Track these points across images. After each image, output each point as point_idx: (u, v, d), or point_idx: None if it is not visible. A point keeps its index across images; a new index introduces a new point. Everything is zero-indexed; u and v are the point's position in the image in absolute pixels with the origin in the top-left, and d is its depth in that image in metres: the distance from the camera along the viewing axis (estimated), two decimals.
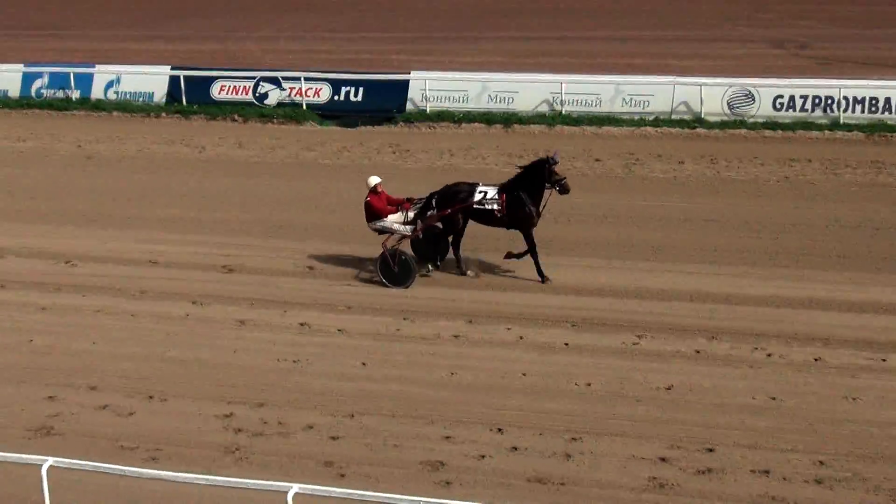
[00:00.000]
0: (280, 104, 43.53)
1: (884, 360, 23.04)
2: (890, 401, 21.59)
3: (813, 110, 37.48)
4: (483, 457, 20.27)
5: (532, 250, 27.02)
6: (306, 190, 34.91)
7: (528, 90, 40.68)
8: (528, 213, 26.78)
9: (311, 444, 20.80)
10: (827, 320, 24.81)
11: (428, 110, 41.47)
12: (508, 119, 40.14)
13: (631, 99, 39.41)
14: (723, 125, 37.93)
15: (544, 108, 40.28)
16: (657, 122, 38.68)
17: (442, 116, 41.07)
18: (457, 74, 42.70)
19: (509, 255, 27.31)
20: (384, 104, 42.27)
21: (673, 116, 38.82)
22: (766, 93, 38.07)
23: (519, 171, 27.05)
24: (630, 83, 39.75)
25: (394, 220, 27.49)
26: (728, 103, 38.32)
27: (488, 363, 23.53)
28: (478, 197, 26.98)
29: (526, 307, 25.97)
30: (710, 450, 20.26)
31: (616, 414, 21.49)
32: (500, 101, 40.93)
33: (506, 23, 54.42)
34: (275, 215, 32.60)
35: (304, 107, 43.12)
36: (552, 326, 25.05)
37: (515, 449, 20.49)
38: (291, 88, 43.42)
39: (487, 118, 40.43)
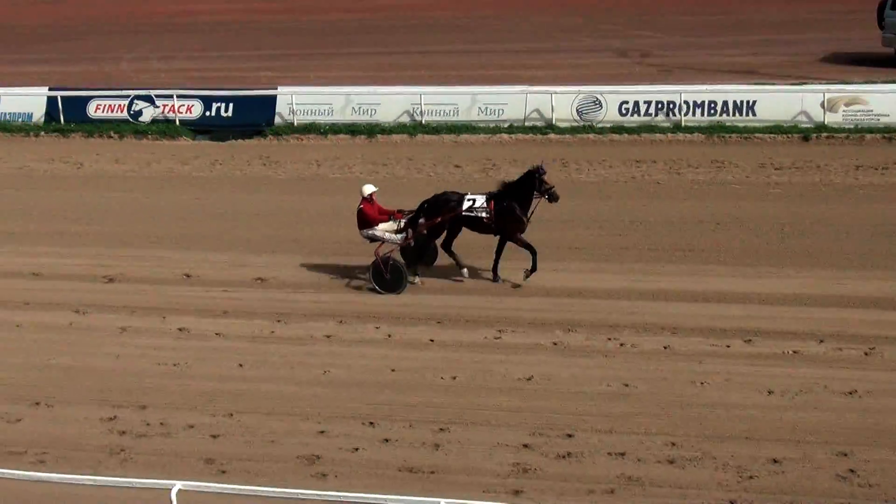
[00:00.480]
0: (154, 121, 43.12)
1: (728, 346, 23.34)
2: (735, 384, 21.88)
3: (656, 114, 37.86)
4: (356, 449, 20.24)
5: (532, 252, 26.56)
6: (182, 201, 34.63)
7: (389, 102, 40.68)
8: (517, 220, 26.61)
9: (193, 443, 20.64)
10: (674, 310, 25.07)
11: (295, 123, 41.31)
12: (372, 129, 40.11)
13: (486, 108, 39.54)
14: (573, 130, 38.20)
15: (405, 119, 40.30)
16: (511, 128, 38.85)
17: (309, 129, 40.94)
18: (322, 89, 42.59)
19: (527, 273, 26.71)
20: (253, 118, 42.03)
21: (526, 123, 39.00)
22: (613, 99, 38.39)
23: (505, 182, 26.93)
24: (485, 93, 39.89)
25: (384, 228, 27.15)
26: (577, 110, 38.58)
27: (359, 361, 23.50)
28: (467, 205, 26.79)
29: (393, 307, 25.96)
30: (570, 435, 20.39)
31: (480, 404, 21.55)
32: (364, 112, 40.90)
33: (368, 39, 54.42)
34: (153, 226, 32.29)
35: (177, 123, 42.76)
36: (418, 324, 25.07)
37: (387, 441, 20.49)
38: (165, 105, 43.03)
39: (352, 129, 40.37)
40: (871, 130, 35.65)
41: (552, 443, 20.21)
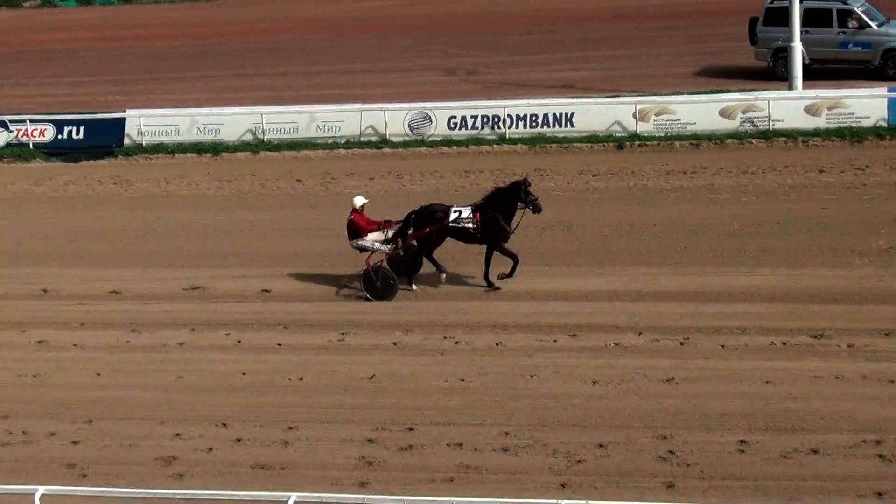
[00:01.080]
0: (8, 145, 42.20)
1: (555, 341, 23.56)
2: (562, 375, 22.11)
3: (482, 128, 38.06)
4: (210, 449, 20.08)
5: (515, 260, 26.26)
6: (38, 220, 33.97)
7: (233, 122, 40.33)
8: (502, 230, 26.34)
9: (54, 450, 20.32)
10: (504, 309, 25.24)
11: (144, 144, 40.75)
12: (217, 148, 39.73)
13: (324, 125, 39.40)
14: (406, 144, 38.23)
15: (248, 137, 39.99)
16: (348, 144, 38.77)
17: (157, 149, 40.39)
18: (168, 111, 42.06)
19: (502, 276, 26.41)
20: (104, 140, 41.34)
21: (362, 139, 38.95)
22: (442, 114, 38.51)
23: (493, 191, 26.74)
24: (322, 111, 39.75)
25: (373, 238, 26.73)
26: (409, 125, 38.65)
27: (211, 366, 23.32)
28: (453, 216, 26.49)
29: (241, 314, 25.79)
30: (411, 429, 20.44)
31: (327, 403, 21.51)
32: (209, 132, 40.47)
33: (210, 63, 53.95)
34: (9, 245, 31.63)
35: (31, 146, 41.91)
36: (266, 330, 24.93)
37: (239, 440, 20.36)
38: (18, 130, 42.14)
39: (198, 148, 39.93)
40: (679, 138, 36.20)
41: (394, 436, 20.24)
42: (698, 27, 50.62)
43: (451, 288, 26.46)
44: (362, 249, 26.69)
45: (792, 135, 35.41)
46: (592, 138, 36.76)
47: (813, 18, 40.20)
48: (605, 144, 36.52)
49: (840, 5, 40.28)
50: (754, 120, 36.11)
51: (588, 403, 21.08)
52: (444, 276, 26.52)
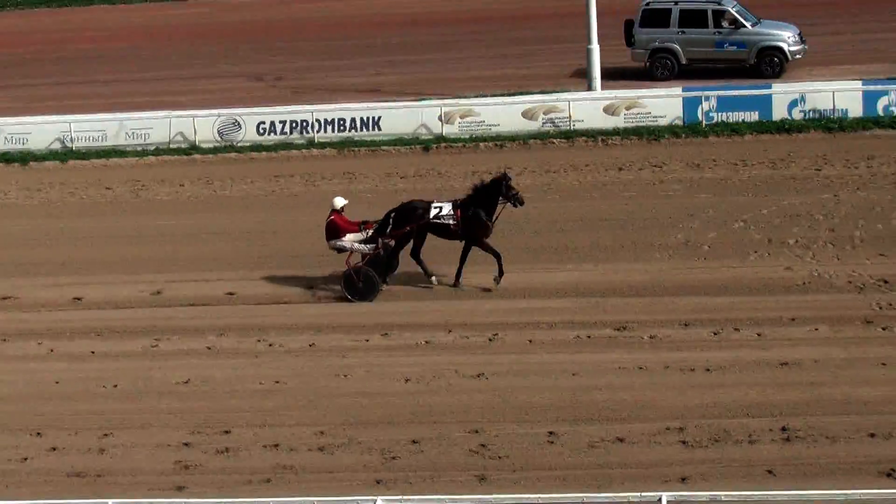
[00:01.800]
0: None
1: (367, 340, 23.61)
2: (375, 374, 22.16)
3: (291, 133, 37.88)
4: (25, 459, 19.68)
5: (497, 255, 25.84)
6: None
7: (40, 131, 39.44)
8: (483, 225, 25.98)
9: None
10: (317, 311, 25.27)
11: None
12: (25, 157, 38.83)
13: (133, 132, 38.80)
14: (215, 150, 37.83)
15: (57, 146, 39.18)
16: (158, 151, 38.24)
17: None
18: None
19: (496, 279, 25.90)
20: None
21: (171, 145, 38.45)
22: (251, 120, 38.22)
23: (475, 188, 26.29)
24: (132, 119, 39.14)
25: (352, 239, 26.09)
26: (218, 131, 38.27)
27: (24, 375, 22.85)
28: (434, 213, 26.01)
29: (54, 322, 25.31)
30: (227, 432, 20.29)
31: (142, 409, 21.23)
32: (16, 141, 39.53)
33: (15, 72, 52.72)
34: None
35: None
36: (79, 338, 24.50)
37: (54, 449, 19.99)
38: None
39: (6, 158, 38.98)
40: (484, 139, 36.51)
41: (211, 440, 20.06)
42: (501, 31, 51.05)
43: (259, 291, 26.32)
44: (340, 250, 26.20)
45: (592, 134, 35.99)
46: (399, 141, 36.88)
47: (689, 19, 40.73)
48: (412, 147, 36.67)
49: (715, 6, 40.78)
50: (556, 120, 36.61)
51: (401, 401, 21.16)
52: (433, 279, 26.17)
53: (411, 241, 26.17)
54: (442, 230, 26.10)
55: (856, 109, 35.52)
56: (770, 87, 36.65)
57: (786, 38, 40.02)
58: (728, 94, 36.16)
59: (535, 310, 24.57)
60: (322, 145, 37.23)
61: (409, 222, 25.94)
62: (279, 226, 30.62)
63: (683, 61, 40.34)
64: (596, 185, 32.13)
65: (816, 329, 23.01)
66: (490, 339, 23.44)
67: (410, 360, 22.73)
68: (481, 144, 36.29)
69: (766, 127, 35.40)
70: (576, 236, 28.38)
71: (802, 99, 35.80)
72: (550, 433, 19.79)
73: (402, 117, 37.51)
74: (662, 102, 36.48)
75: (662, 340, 22.96)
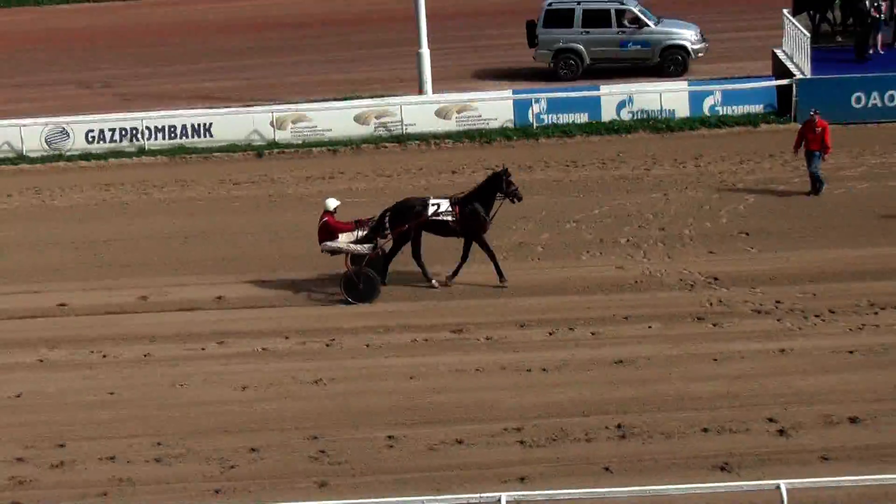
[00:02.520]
0: None
1: (203, 349, 23.35)
2: (212, 383, 21.94)
3: (121, 140, 37.28)
4: None
5: (491, 254, 25.59)
6: None
7: None
8: (481, 221, 25.49)
9: None
10: (152, 320, 24.87)
11: None
12: None
13: None
14: (44, 160, 37.04)
15: None
16: None
17: None
18: None
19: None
20: None
21: None
22: (80, 128, 37.50)
23: (479, 184, 25.96)
24: None
25: (345, 240, 25.31)
26: (46, 140, 37.49)
27: None
28: (432, 210, 25.37)
29: None
30: (62, 445, 19.90)
31: None
32: None
33: None
34: None
35: None
36: None
37: None
38: None
39: None
40: (316, 144, 36.34)
41: (45, 454, 19.64)
42: (335, 35, 50.92)
43: (91, 301, 25.86)
44: (335, 252, 25.61)
45: (424, 138, 36.07)
46: (232, 147, 36.54)
47: (592, 19, 40.84)
48: (245, 153, 36.35)
49: (618, 5, 40.91)
50: (388, 125, 36.61)
51: (239, 409, 20.96)
52: (434, 281, 25.77)
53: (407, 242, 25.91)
54: (441, 227, 25.74)
55: (682, 110, 36.17)
56: (598, 88, 37.09)
57: (688, 36, 40.57)
58: (558, 97, 36.53)
59: (372, 314, 24.54)
60: (153, 153, 36.70)
61: (406, 221, 25.54)
62: (111, 235, 30.10)
63: (587, 61, 40.61)
64: (429, 188, 32.14)
65: (649, 327, 23.36)
66: (327, 345, 23.33)
67: (247, 367, 22.53)
68: (314, 150, 36.13)
69: (596, 128, 35.84)
70: None
71: (630, 100, 36.32)
72: (389, 437, 19.78)
73: (233, 123, 37.16)
74: (493, 105, 36.70)
75: (499, 342, 23.09)
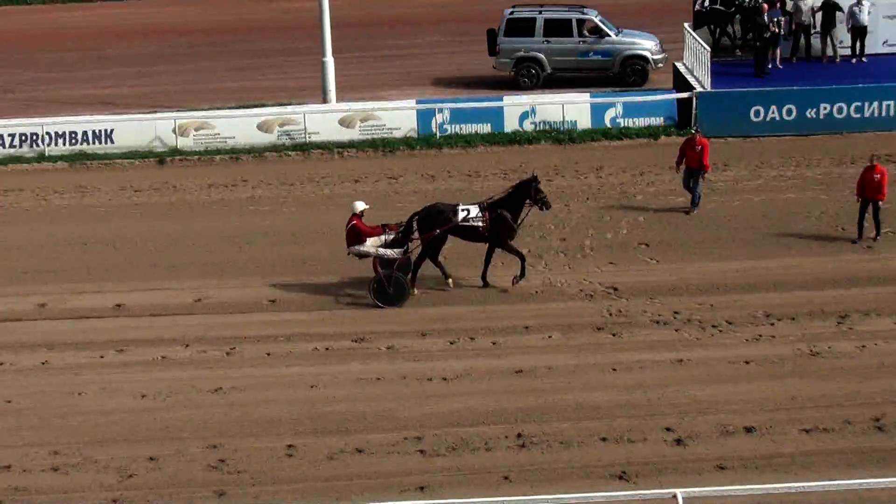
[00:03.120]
0: None
1: (102, 357, 23.19)
2: (110, 391, 21.76)
3: (21, 146, 36.79)
4: None
5: (489, 257, 25.83)
6: None
7: None
8: (509, 228, 25.45)
9: None
10: (48, 327, 24.65)
11: None
12: None
13: None
14: None
15: None
16: None
17: None
18: None
19: (515, 280, 25.75)
20: None
21: None
22: None
23: (508, 190, 25.90)
24: None
25: (373, 244, 25.15)
26: None
27: None
28: (462, 216, 25.23)
29: None
30: None
31: None
32: None
33: None
34: None
35: None
36: None
37: None
38: None
39: None
40: (219, 152, 36.10)
41: None
42: (239, 43, 50.63)
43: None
44: (362, 256, 25.53)
45: (328, 147, 35.97)
46: (133, 154, 36.19)
47: (554, 28, 40.82)
48: (146, 160, 36.01)
49: (579, 16, 40.95)
50: (291, 133, 36.48)
51: (138, 417, 20.79)
52: (450, 280, 25.78)
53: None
54: (470, 233, 25.79)
55: (584, 121, 36.42)
56: (501, 99, 37.25)
57: (649, 46, 40.69)
58: (461, 107, 36.62)
59: (274, 322, 24.46)
60: (53, 159, 36.26)
61: (435, 226, 25.51)
62: (10, 242, 29.71)
63: (548, 70, 40.66)
64: (332, 196, 32.12)
65: (550, 336, 23.50)
66: (228, 353, 23.22)
67: (147, 376, 22.36)
68: (217, 157, 35.89)
69: (499, 139, 35.98)
70: (310, 248, 28.31)
71: (533, 111, 36.52)
72: (289, 446, 19.73)
73: (135, 130, 36.83)
74: (397, 115, 36.70)
75: (400, 351, 23.11)
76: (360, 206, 25.82)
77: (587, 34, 40.84)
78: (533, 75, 40.76)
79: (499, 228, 25.63)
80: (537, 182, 25.79)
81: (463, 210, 25.62)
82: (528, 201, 25.79)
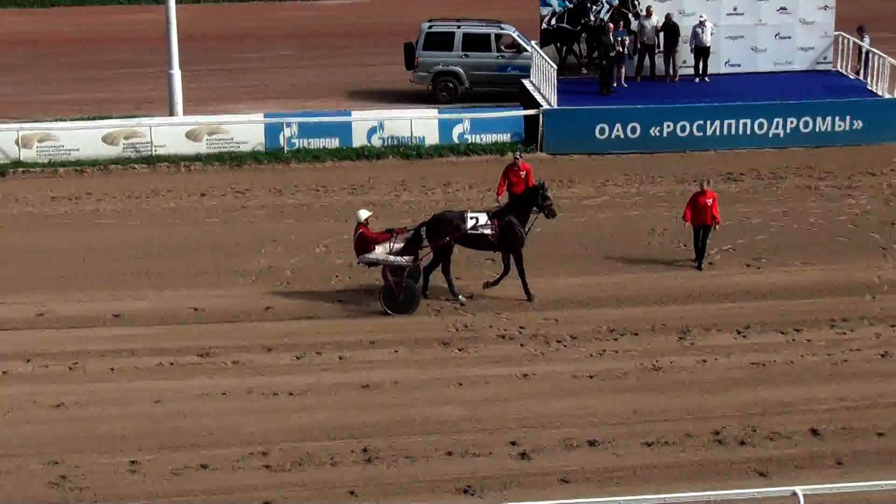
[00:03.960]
0: None
1: None
2: None
3: None
4: None
5: (520, 269, 25.67)
6: None
7: None
8: (518, 235, 25.22)
9: None
10: None
11: None
12: None
13: None
14: None
15: None
16: None
17: None
18: None
19: (487, 285, 25.86)
20: None
21: None
22: None
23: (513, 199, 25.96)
24: None
25: (383, 251, 24.73)
26: None
27: None
28: (470, 224, 24.93)
29: None
30: None
31: None
32: None
33: None
34: None
35: None
36: None
37: None
38: None
39: None
40: (63, 164, 35.50)
41: None
42: (85, 54, 49.89)
43: None
44: (372, 264, 25.28)
45: (174, 160, 35.59)
46: None
47: (472, 43, 40.71)
48: None
49: (497, 30, 40.87)
50: (137, 146, 36.01)
51: None
52: (461, 298, 25.75)
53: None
54: (478, 241, 25.78)
55: (432, 137, 36.59)
56: (350, 114, 37.25)
57: None
58: (309, 122, 36.54)
59: (118, 337, 24.19)
60: None
61: (444, 234, 25.41)
62: None
63: (466, 84, 40.58)
64: (178, 210, 31.83)
65: (396, 351, 23.58)
66: (70, 368, 22.88)
67: None
68: (60, 169, 35.29)
69: (347, 154, 35.95)
70: (158, 262, 28.04)
71: (381, 126, 36.57)
72: (133, 462, 19.54)
73: None
74: (245, 128, 36.46)
75: (246, 366, 23.00)
76: (365, 214, 25.79)
77: (504, 49, 41.18)
78: (451, 89, 40.90)
79: (509, 235, 25.76)
80: (545, 189, 26.12)
81: (471, 218, 25.74)
82: (534, 209, 26.08)
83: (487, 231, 25.64)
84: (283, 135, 36.16)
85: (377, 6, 55.76)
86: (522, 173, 29.20)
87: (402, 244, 25.50)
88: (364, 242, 25.43)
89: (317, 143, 36.36)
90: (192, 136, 36.21)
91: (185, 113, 37.83)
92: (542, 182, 26.50)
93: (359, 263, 25.89)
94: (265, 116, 37.06)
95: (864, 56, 38.40)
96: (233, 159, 35.61)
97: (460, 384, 22.28)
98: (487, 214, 25.91)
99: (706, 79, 38.77)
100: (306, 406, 21.44)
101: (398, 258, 25.41)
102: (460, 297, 25.84)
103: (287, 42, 49.44)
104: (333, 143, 36.37)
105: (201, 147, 36.08)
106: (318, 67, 44.84)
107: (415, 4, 51.85)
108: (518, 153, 30.02)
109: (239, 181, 33.96)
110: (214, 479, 19.11)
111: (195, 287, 26.41)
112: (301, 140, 36.33)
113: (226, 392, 21.94)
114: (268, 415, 21.10)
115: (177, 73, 37.73)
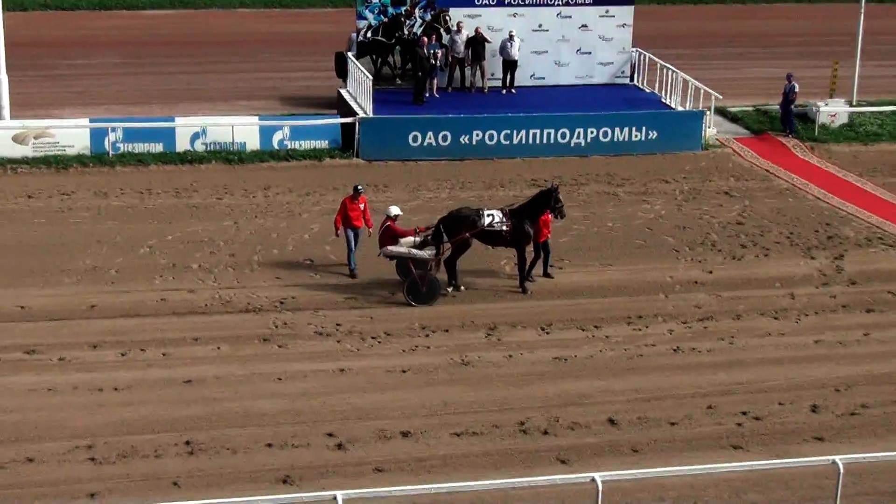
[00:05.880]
0: None
1: None
2: None
3: None
4: None
5: (522, 264, 26.40)
6: None
7: None
8: (528, 233, 25.98)
9: None
10: None
11: None
12: None
13: None
14: None
15: None
16: None
17: None
18: None
19: (547, 275, 27.17)
20: None
21: None
22: None
23: (529, 199, 26.62)
24: None
25: (408, 244, 24.88)
26: None
27: None
28: (487, 220, 24.80)
29: None
30: None
31: None
32: None
33: None
34: None
35: None
36: None
37: None
38: None
39: None
40: None
41: None
42: None
43: None
44: (394, 257, 25.47)
45: (1, 163, 34.75)
46: None
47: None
48: None
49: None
50: None
51: None
52: (462, 288, 26.25)
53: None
54: (493, 237, 25.95)
55: (253, 143, 36.38)
56: (174, 119, 36.84)
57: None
58: (134, 126, 36.02)
59: None
60: None
61: (462, 230, 25.55)
62: None
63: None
64: (4, 212, 31.12)
65: (218, 348, 23.48)
66: None
67: None
68: None
69: (171, 158, 35.51)
70: None
71: (204, 132, 36.22)
72: None
73: None
74: (71, 133, 35.76)
75: (71, 362, 22.67)
76: (395, 210, 26.32)
77: None
78: None
79: (521, 234, 26.10)
80: (558, 192, 26.54)
81: (488, 215, 26.03)
82: (546, 209, 26.49)
83: (503, 228, 26.11)
84: (108, 139, 35.58)
85: (202, 16, 55.22)
86: (361, 206, 28.14)
87: (423, 240, 26.09)
88: (391, 235, 26.00)
89: (141, 147, 35.84)
90: (18, 139, 35.39)
91: (12, 117, 36.99)
92: (556, 185, 27.30)
93: (379, 255, 26.24)
94: (90, 121, 36.43)
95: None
96: (59, 163, 34.92)
97: (280, 379, 22.29)
98: (502, 212, 26.37)
99: (513, 90, 39.30)
100: (131, 401, 21.23)
101: (421, 251, 25.88)
102: (461, 287, 26.31)
103: (113, 49, 48.64)
104: (158, 147, 35.91)
105: (27, 150, 35.30)
106: (144, 74, 44.23)
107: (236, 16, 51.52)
108: (360, 186, 28.07)
109: (65, 184, 33.33)
110: (40, 472, 18.82)
111: (21, 286, 25.90)
112: (126, 144, 35.76)
113: (51, 388, 21.59)
114: (93, 409, 20.83)
115: (4, 77, 36.87)
